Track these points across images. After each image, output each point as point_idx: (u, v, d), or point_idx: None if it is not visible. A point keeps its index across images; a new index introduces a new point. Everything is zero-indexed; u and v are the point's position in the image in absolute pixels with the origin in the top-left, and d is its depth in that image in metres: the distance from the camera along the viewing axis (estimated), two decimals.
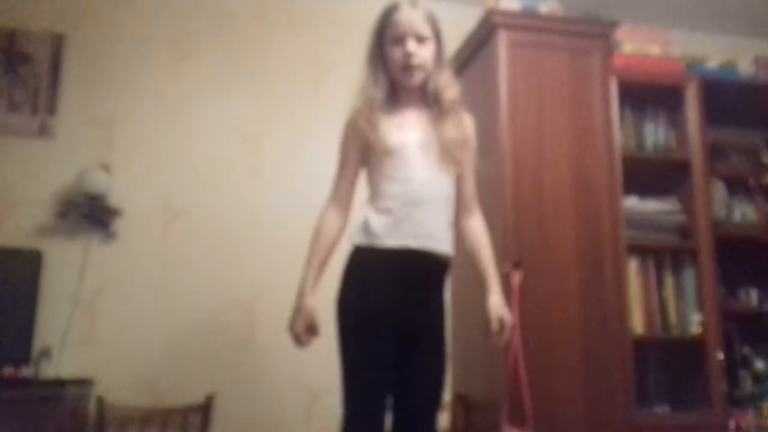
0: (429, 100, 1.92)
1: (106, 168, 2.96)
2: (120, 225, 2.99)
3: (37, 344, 2.75)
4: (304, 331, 1.79)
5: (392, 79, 1.91)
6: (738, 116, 3.30)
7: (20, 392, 2.47)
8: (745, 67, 3.31)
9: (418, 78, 1.88)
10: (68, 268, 2.90)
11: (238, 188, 3.14)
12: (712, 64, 3.28)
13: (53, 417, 2.42)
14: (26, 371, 2.68)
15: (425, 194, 1.83)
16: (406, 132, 1.86)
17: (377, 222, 1.82)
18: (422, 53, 1.86)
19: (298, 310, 1.80)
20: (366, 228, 1.84)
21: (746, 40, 3.76)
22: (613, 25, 3.02)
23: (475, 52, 3.06)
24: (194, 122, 3.17)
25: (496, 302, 1.91)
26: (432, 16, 1.92)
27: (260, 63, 3.29)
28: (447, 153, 1.86)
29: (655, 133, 3.12)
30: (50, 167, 2.97)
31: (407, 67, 1.85)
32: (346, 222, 1.92)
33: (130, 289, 2.97)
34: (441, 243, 1.84)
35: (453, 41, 3.18)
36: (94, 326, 2.91)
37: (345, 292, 1.84)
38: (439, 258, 1.85)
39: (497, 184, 2.75)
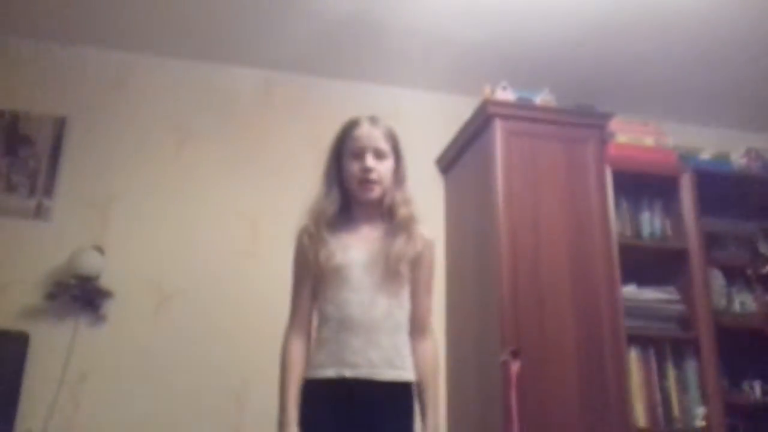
0: (385, 215, 1.90)
1: (99, 249, 2.94)
2: (110, 307, 2.94)
3: (19, 428, 2.66)
4: None
5: (347, 194, 1.90)
6: (732, 207, 3.33)
7: None
8: (738, 159, 3.36)
9: (375, 193, 1.86)
10: (55, 351, 2.84)
11: (233, 271, 3.12)
12: (705, 155, 3.34)
13: None
14: None
15: (363, 319, 1.77)
16: (351, 251, 1.83)
17: (316, 352, 1.81)
18: (380, 168, 1.86)
19: None
20: (310, 359, 1.82)
21: (738, 132, 3.84)
22: (607, 116, 3.10)
23: (470, 141, 3.12)
24: (191, 204, 3.18)
25: None
26: (392, 133, 1.91)
27: (261, 147, 3.33)
28: (393, 270, 1.80)
29: (651, 222, 3.14)
30: (44, 248, 2.96)
31: (364, 181, 1.85)
32: (308, 343, 1.87)
33: (117, 373, 2.89)
34: (384, 370, 1.76)
35: (449, 129, 3.28)
36: (78, 410, 2.81)
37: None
38: (384, 386, 1.76)
39: (494, 271, 2.74)
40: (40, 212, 3.01)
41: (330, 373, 1.76)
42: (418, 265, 1.88)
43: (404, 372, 1.80)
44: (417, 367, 1.84)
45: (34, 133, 3.10)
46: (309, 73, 3.47)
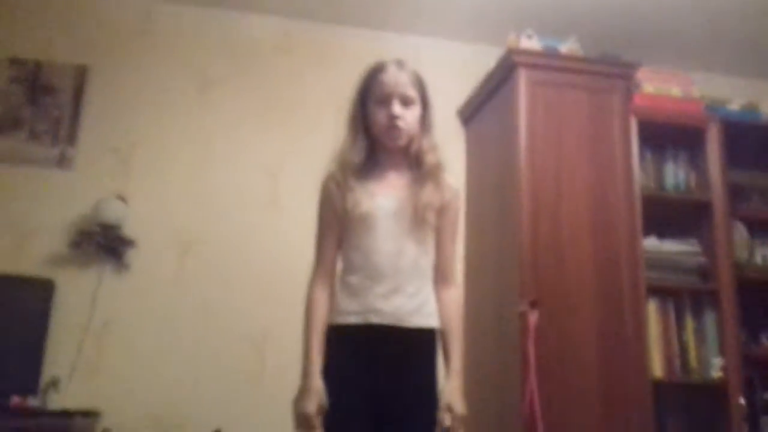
0: (411, 163, 1.86)
1: (122, 198, 2.97)
2: (133, 256, 2.98)
3: (46, 374, 2.74)
4: (316, 412, 1.71)
5: (373, 140, 1.86)
6: (759, 158, 3.27)
7: (27, 422, 2.45)
8: (767, 110, 3.29)
9: (402, 141, 1.83)
10: (80, 298, 2.89)
11: (254, 221, 3.14)
12: (733, 106, 3.27)
13: None
14: (33, 401, 2.66)
15: (390, 266, 1.76)
16: (378, 199, 1.80)
17: (342, 298, 1.80)
18: (407, 116, 1.81)
19: (307, 391, 1.73)
20: (334, 305, 1.81)
21: (767, 82, 3.74)
22: (633, 65, 3.03)
23: (494, 91, 3.07)
24: (213, 154, 3.19)
25: (450, 390, 1.77)
26: (419, 79, 1.86)
27: (282, 96, 3.32)
28: (421, 218, 1.78)
29: (676, 174, 3.10)
30: (68, 197, 2.99)
31: (391, 129, 1.80)
32: (334, 291, 1.85)
33: (140, 320, 2.95)
34: (410, 317, 1.76)
35: (472, 80, 3.22)
36: (103, 357, 2.89)
37: (322, 372, 1.78)
38: (410, 332, 1.76)
39: (515, 222, 2.73)
40: (63, 161, 3.03)
41: (356, 319, 1.76)
42: (444, 213, 1.85)
43: (429, 319, 1.80)
44: (441, 314, 1.83)
45: (57, 81, 3.10)
46: (329, 22, 3.42)
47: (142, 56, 3.23)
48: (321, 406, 1.71)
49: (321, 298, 1.82)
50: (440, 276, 1.87)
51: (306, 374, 1.75)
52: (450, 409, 1.74)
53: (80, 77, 3.11)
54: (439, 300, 1.85)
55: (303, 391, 1.74)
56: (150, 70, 3.22)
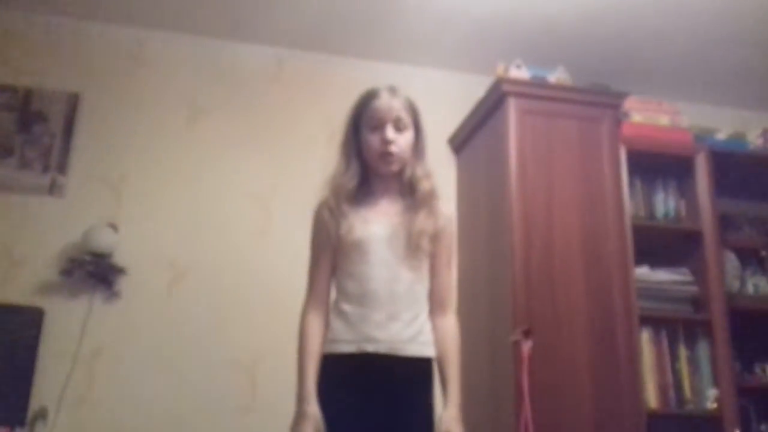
0: (404, 189, 1.86)
1: (113, 226, 2.95)
2: (124, 284, 2.96)
3: (34, 404, 2.69)
4: None
5: (366, 166, 1.86)
6: (747, 188, 3.31)
7: None
8: (754, 140, 3.33)
9: (395, 166, 1.82)
10: (70, 327, 2.86)
11: (244, 249, 3.12)
12: (721, 135, 3.31)
13: None
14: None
15: (384, 294, 1.75)
16: (372, 226, 1.79)
17: (336, 327, 1.78)
18: (400, 141, 1.81)
19: (303, 416, 1.70)
20: (328, 334, 1.79)
21: (754, 113, 3.79)
22: (622, 95, 3.07)
23: (484, 120, 3.10)
24: (204, 182, 3.18)
25: (447, 419, 1.74)
26: (412, 104, 1.86)
27: (273, 125, 3.33)
28: (415, 245, 1.77)
29: (665, 203, 3.12)
30: (58, 225, 2.97)
31: (385, 154, 1.80)
32: (327, 320, 1.83)
33: (131, 349, 2.91)
34: (406, 345, 1.74)
35: (462, 108, 3.25)
36: (92, 387, 2.84)
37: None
38: (406, 361, 1.74)
39: (506, 250, 2.73)
40: (54, 188, 3.02)
41: (351, 348, 1.74)
42: (438, 240, 1.84)
43: (425, 347, 1.78)
44: (438, 343, 1.81)
45: (48, 109, 3.10)
46: (320, 51, 3.45)
47: (133, 84, 3.24)
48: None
49: (314, 324, 1.80)
50: (437, 304, 1.85)
51: (301, 400, 1.72)
52: None
53: (71, 105, 3.12)
54: (435, 328, 1.83)
55: (299, 417, 1.71)
56: (141, 98, 3.23)
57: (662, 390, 2.82)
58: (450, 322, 1.85)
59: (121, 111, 3.19)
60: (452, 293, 1.91)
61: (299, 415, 1.71)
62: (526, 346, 2.53)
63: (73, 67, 3.20)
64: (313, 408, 1.70)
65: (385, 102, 1.83)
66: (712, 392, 2.83)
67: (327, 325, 1.81)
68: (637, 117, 3.10)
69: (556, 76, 3.06)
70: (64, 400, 2.78)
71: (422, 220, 1.79)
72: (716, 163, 3.07)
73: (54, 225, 2.97)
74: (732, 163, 3.13)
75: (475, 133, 3.21)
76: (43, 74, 3.15)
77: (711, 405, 2.81)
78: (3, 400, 2.61)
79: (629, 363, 2.69)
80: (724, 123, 3.46)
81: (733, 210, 3.28)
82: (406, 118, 1.83)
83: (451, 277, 1.91)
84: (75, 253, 2.90)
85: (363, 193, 1.86)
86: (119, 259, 2.95)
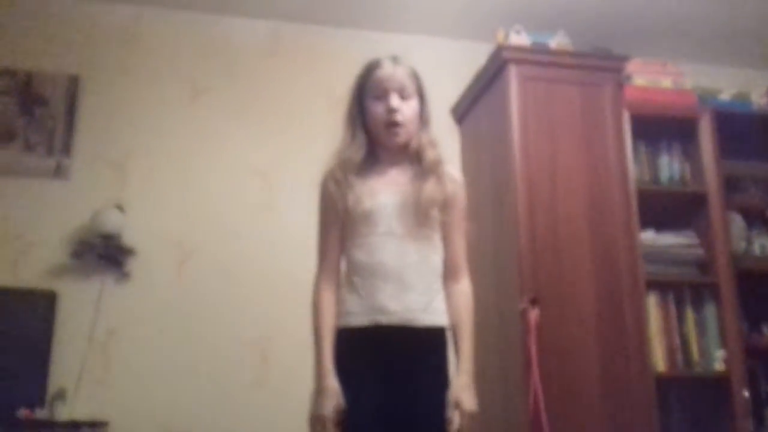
0: (411, 158, 1.84)
1: (120, 207, 2.97)
2: (134, 264, 2.99)
3: (52, 386, 2.74)
4: (333, 414, 1.67)
5: (372, 138, 1.84)
6: (752, 148, 3.27)
7: None
8: (758, 99, 3.29)
9: (401, 138, 1.80)
10: (83, 309, 2.89)
11: (251, 225, 3.14)
12: (725, 96, 3.27)
13: None
14: (41, 413, 2.65)
15: (395, 264, 1.73)
16: (380, 196, 1.77)
17: (348, 300, 1.76)
18: (405, 109, 1.79)
19: (323, 392, 1.69)
20: (340, 307, 1.77)
21: (758, 72, 3.76)
22: (624, 58, 3.03)
23: (486, 88, 3.08)
24: (208, 160, 3.20)
25: (458, 386, 1.72)
26: (415, 73, 1.84)
27: (273, 99, 3.33)
28: (424, 214, 1.75)
29: (670, 166, 3.10)
30: (65, 208, 2.99)
31: (391, 123, 1.78)
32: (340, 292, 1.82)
33: (144, 328, 2.95)
34: (419, 315, 1.72)
35: (464, 77, 3.23)
36: (108, 367, 2.89)
37: None
38: (420, 332, 1.72)
39: (511, 219, 2.73)
40: (59, 171, 3.03)
41: (364, 320, 1.72)
42: (449, 207, 1.81)
43: (439, 317, 1.77)
44: (451, 309, 1.79)
45: (49, 92, 3.10)
46: (317, 23, 3.43)
47: (132, 64, 3.23)
48: (338, 406, 1.68)
49: (328, 298, 1.79)
50: (449, 271, 1.82)
51: (320, 375, 1.72)
52: (458, 405, 1.70)
53: (72, 87, 3.12)
54: (448, 296, 1.80)
55: (318, 393, 1.71)
56: (141, 78, 3.22)
57: (670, 353, 2.83)
58: (463, 289, 1.82)
59: (121, 91, 3.19)
60: (464, 258, 1.86)
61: (319, 391, 1.71)
62: (534, 314, 2.55)
63: (72, 49, 3.19)
64: (332, 382, 1.70)
65: (389, 71, 1.81)
66: (719, 354, 2.84)
67: (339, 298, 1.80)
68: (639, 80, 3.07)
69: (557, 41, 3.02)
70: (82, 380, 2.82)
71: (431, 189, 1.77)
72: (720, 124, 3.04)
73: (61, 208, 2.99)
74: (736, 124, 3.09)
75: (477, 102, 3.20)
76: (43, 57, 3.15)
77: (719, 367, 2.82)
78: (22, 382, 2.66)
79: (636, 327, 2.70)
80: (728, 83, 3.43)
81: (739, 171, 3.25)
82: (410, 87, 1.81)
83: (463, 242, 1.87)
84: (84, 235, 2.93)
85: (370, 163, 1.83)
86: (127, 239, 2.97)
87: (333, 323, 1.76)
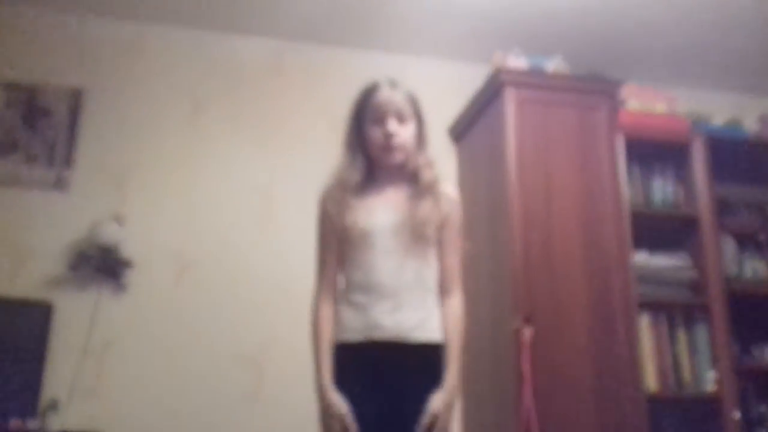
0: (408, 179, 1.87)
1: (119, 220, 2.98)
2: (131, 277, 2.99)
3: (45, 396, 2.73)
4: (340, 427, 1.70)
5: (371, 159, 1.88)
6: (744, 173, 3.31)
7: None
8: (751, 125, 3.34)
9: (398, 158, 1.84)
10: (78, 320, 2.89)
11: (250, 240, 3.15)
12: (717, 121, 3.32)
13: None
14: (32, 424, 2.64)
15: (392, 283, 1.76)
16: (377, 215, 1.81)
17: (345, 316, 1.80)
18: (403, 133, 1.83)
19: (329, 407, 1.72)
20: (337, 323, 1.81)
21: (751, 98, 3.81)
22: (618, 82, 3.08)
23: (482, 110, 3.11)
24: (208, 174, 3.21)
25: (438, 400, 1.74)
26: (413, 96, 1.88)
27: (275, 117, 3.35)
28: (420, 233, 1.79)
29: (663, 189, 3.13)
30: (65, 219, 2.99)
31: (388, 147, 1.82)
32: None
33: (139, 341, 2.95)
34: (412, 332, 1.75)
35: (461, 98, 3.27)
36: (102, 379, 2.88)
37: None
38: (414, 348, 1.75)
39: (506, 238, 2.75)
40: (59, 183, 3.04)
41: (359, 336, 1.76)
42: (445, 227, 1.86)
43: (434, 334, 1.79)
44: (444, 326, 1.82)
45: (52, 104, 3.12)
46: (319, 42, 3.47)
47: (135, 78, 3.26)
48: (345, 417, 1.70)
49: (326, 314, 1.82)
50: (443, 287, 1.85)
51: (321, 391, 1.75)
52: (433, 421, 1.71)
53: (75, 100, 3.14)
54: (443, 311, 1.83)
55: (323, 410, 1.74)
56: (143, 92, 3.25)
57: (662, 374, 2.84)
58: (453, 305, 1.84)
59: (124, 105, 3.21)
60: (458, 275, 1.89)
61: (323, 408, 1.74)
62: (527, 333, 2.56)
63: (76, 63, 3.22)
64: (334, 396, 1.73)
65: (386, 95, 1.84)
66: (711, 375, 2.86)
67: (337, 314, 1.83)
68: (634, 104, 3.11)
69: (554, 64, 3.06)
70: (75, 391, 2.81)
71: (427, 209, 1.81)
72: (713, 149, 3.08)
73: (60, 219, 2.99)
74: (729, 149, 3.14)
75: (474, 123, 3.23)
76: (47, 70, 3.17)
77: (710, 387, 2.84)
78: (15, 392, 2.64)
79: (628, 348, 2.71)
80: (721, 108, 3.48)
81: (731, 195, 3.29)
82: (408, 110, 1.85)
83: (457, 259, 1.89)
84: (82, 247, 2.93)
85: (368, 184, 1.87)
86: (125, 252, 2.97)
87: (331, 338, 1.79)
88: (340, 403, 1.72)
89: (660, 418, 2.87)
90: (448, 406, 1.76)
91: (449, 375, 1.78)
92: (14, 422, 2.60)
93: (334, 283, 1.87)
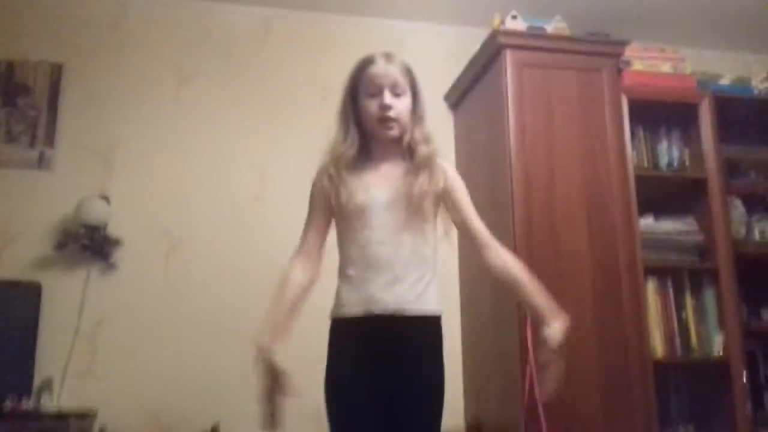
0: (404, 154, 1.87)
1: (105, 198, 2.93)
2: (120, 255, 2.94)
3: (38, 376, 2.71)
4: (271, 386, 1.68)
5: (366, 134, 1.87)
6: (752, 133, 3.26)
7: (22, 425, 2.42)
8: (759, 84, 3.27)
9: (394, 131, 1.83)
10: (68, 300, 2.86)
11: (240, 216, 3.10)
12: (725, 80, 3.25)
13: None
14: (27, 404, 2.62)
15: (389, 257, 1.76)
16: (373, 190, 1.81)
17: (342, 291, 1.81)
18: (398, 106, 1.82)
19: (258, 351, 1.70)
20: (336, 299, 1.82)
21: (758, 56, 3.72)
22: (622, 43, 3.00)
23: (481, 74, 3.05)
24: (195, 149, 3.14)
25: (556, 328, 1.79)
26: (408, 69, 1.87)
27: (263, 88, 3.26)
28: (417, 207, 1.79)
29: (669, 152, 3.08)
30: (49, 198, 2.93)
31: (383, 119, 1.81)
32: (313, 275, 1.85)
33: (131, 319, 2.91)
34: (412, 304, 1.76)
35: (458, 63, 3.18)
36: (95, 357, 2.85)
37: (326, 367, 1.80)
38: (412, 320, 1.75)
39: (507, 206, 2.71)
40: (42, 162, 2.98)
41: (358, 310, 1.76)
42: (449, 196, 1.86)
43: (431, 306, 1.80)
44: (508, 273, 1.82)
45: (31, 81, 3.04)
46: (308, 9, 3.36)
47: (117, 52, 3.16)
48: (275, 373, 1.67)
49: (296, 272, 1.82)
50: (484, 245, 1.85)
51: (262, 350, 1.71)
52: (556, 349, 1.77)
53: (55, 76, 3.05)
54: (499, 266, 1.83)
55: (262, 369, 1.70)
56: (126, 66, 3.16)
57: (668, 339, 2.82)
58: (506, 254, 1.85)
59: (106, 80, 3.13)
60: (487, 231, 1.88)
61: (262, 367, 1.71)
62: None
63: (55, 37, 3.12)
64: (265, 341, 1.71)
65: (381, 68, 1.83)
66: (718, 339, 2.84)
67: (312, 279, 1.83)
68: (638, 65, 3.03)
69: (554, 26, 2.98)
70: (68, 371, 2.80)
71: (423, 183, 1.80)
72: (721, 108, 3.01)
73: (45, 199, 2.94)
74: (737, 109, 3.07)
75: (471, 89, 3.16)
76: (25, 46, 3.07)
77: (718, 352, 2.82)
78: (7, 373, 2.62)
79: (634, 314, 2.68)
80: (728, 68, 3.40)
81: (739, 156, 3.24)
82: (403, 83, 1.83)
83: (478, 218, 1.89)
84: (68, 226, 2.88)
85: (363, 159, 1.86)
86: (113, 230, 2.93)
87: (293, 297, 1.79)
88: (279, 362, 1.68)
89: (667, 383, 2.86)
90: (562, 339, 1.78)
91: (553, 309, 1.80)
92: (9, 403, 2.58)
93: (313, 250, 1.86)
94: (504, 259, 1.84)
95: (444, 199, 1.85)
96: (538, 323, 1.80)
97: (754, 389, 2.85)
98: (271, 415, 1.70)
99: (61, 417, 2.52)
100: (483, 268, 1.88)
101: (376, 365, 1.72)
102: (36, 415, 2.56)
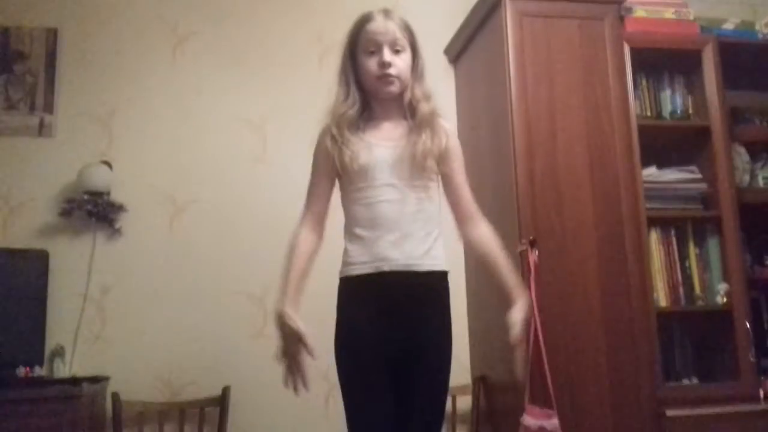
0: (406, 112, 1.87)
1: (108, 163, 2.91)
2: (125, 221, 2.94)
3: (49, 344, 2.74)
4: (297, 349, 1.72)
5: (367, 92, 1.86)
6: (757, 79, 3.21)
7: (35, 392, 2.44)
8: (763, 28, 3.19)
9: (394, 88, 1.83)
10: (76, 267, 2.87)
11: (243, 178, 3.08)
12: (729, 25, 3.18)
13: (70, 415, 2.40)
14: (40, 371, 2.67)
15: (395, 216, 1.78)
16: (376, 150, 1.81)
17: (351, 250, 1.81)
18: (398, 62, 1.81)
19: (287, 330, 1.73)
20: (344, 258, 1.83)
21: (763, 1, 3.62)
22: None
23: (481, 25, 2.99)
24: (195, 112, 3.11)
25: (519, 310, 1.84)
26: (407, 26, 1.86)
27: (262, 47, 3.21)
28: (421, 165, 1.79)
29: (673, 100, 3.03)
30: (52, 166, 2.92)
31: (383, 77, 1.80)
32: (321, 238, 1.87)
33: (139, 284, 2.93)
34: (420, 261, 1.78)
35: (457, 15, 3.12)
36: (105, 323, 2.88)
37: (336, 326, 1.83)
38: (422, 276, 1.78)
39: (509, 160, 2.68)
40: (43, 129, 2.96)
41: (367, 269, 1.77)
42: (447, 158, 1.86)
43: (439, 261, 1.82)
44: (482, 249, 1.88)
45: (27, 47, 3.00)
46: None
47: (111, 14, 3.11)
48: (304, 337, 1.70)
49: (305, 237, 1.84)
50: (466, 217, 1.90)
51: (280, 315, 1.74)
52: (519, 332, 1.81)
53: (51, 41, 3.01)
54: (473, 240, 1.89)
55: (282, 334, 1.75)
56: (122, 29, 3.11)
57: (672, 289, 2.83)
58: (485, 228, 1.90)
59: (102, 44, 3.08)
60: (475, 204, 1.93)
61: (282, 332, 1.75)
62: (533, 256, 2.53)
63: (49, 1, 3.06)
64: (288, 309, 1.74)
65: (380, 25, 1.82)
66: (722, 287, 2.84)
67: (319, 241, 1.86)
68: (640, 11, 2.97)
69: None
70: (79, 337, 2.82)
71: (426, 141, 1.80)
72: (725, 54, 2.95)
73: (47, 166, 2.93)
74: (741, 54, 3.02)
75: (471, 41, 3.10)
76: (19, 11, 3.03)
77: (721, 300, 2.82)
78: (19, 341, 2.64)
79: (638, 264, 2.68)
80: (732, 12, 3.32)
81: (743, 102, 3.19)
82: (403, 40, 1.82)
83: (469, 190, 1.92)
84: (72, 192, 2.88)
85: (365, 118, 1.86)
86: (117, 196, 2.92)
87: (305, 260, 1.82)
88: (291, 317, 1.72)
89: (671, 332, 2.88)
90: (527, 317, 1.85)
91: (518, 288, 1.86)
92: (22, 370, 2.62)
93: (320, 213, 1.88)
94: (482, 234, 1.88)
95: (441, 160, 1.85)
96: (505, 301, 1.85)
97: (758, 337, 2.85)
98: (294, 375, 1.75)
99: (74, 382, 2.54)
100: (461, 238, 1.92)
101: (387, 322, 1.74)
102: (49, 381, 2.61)
